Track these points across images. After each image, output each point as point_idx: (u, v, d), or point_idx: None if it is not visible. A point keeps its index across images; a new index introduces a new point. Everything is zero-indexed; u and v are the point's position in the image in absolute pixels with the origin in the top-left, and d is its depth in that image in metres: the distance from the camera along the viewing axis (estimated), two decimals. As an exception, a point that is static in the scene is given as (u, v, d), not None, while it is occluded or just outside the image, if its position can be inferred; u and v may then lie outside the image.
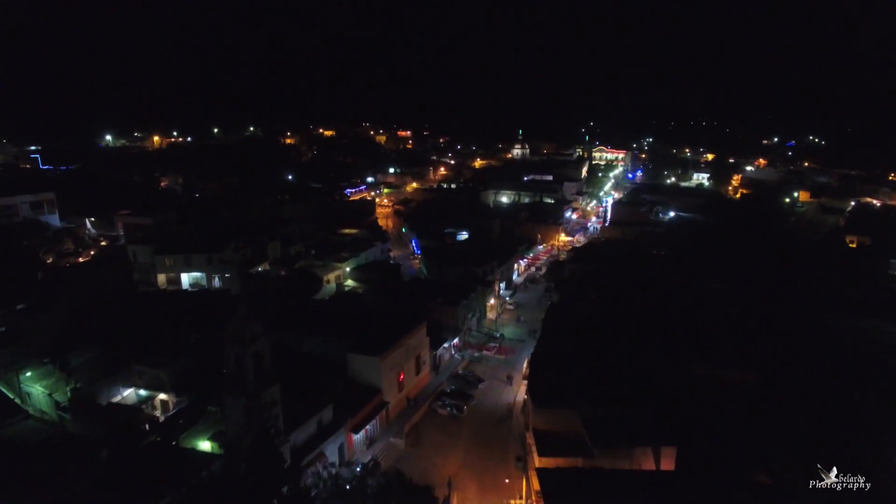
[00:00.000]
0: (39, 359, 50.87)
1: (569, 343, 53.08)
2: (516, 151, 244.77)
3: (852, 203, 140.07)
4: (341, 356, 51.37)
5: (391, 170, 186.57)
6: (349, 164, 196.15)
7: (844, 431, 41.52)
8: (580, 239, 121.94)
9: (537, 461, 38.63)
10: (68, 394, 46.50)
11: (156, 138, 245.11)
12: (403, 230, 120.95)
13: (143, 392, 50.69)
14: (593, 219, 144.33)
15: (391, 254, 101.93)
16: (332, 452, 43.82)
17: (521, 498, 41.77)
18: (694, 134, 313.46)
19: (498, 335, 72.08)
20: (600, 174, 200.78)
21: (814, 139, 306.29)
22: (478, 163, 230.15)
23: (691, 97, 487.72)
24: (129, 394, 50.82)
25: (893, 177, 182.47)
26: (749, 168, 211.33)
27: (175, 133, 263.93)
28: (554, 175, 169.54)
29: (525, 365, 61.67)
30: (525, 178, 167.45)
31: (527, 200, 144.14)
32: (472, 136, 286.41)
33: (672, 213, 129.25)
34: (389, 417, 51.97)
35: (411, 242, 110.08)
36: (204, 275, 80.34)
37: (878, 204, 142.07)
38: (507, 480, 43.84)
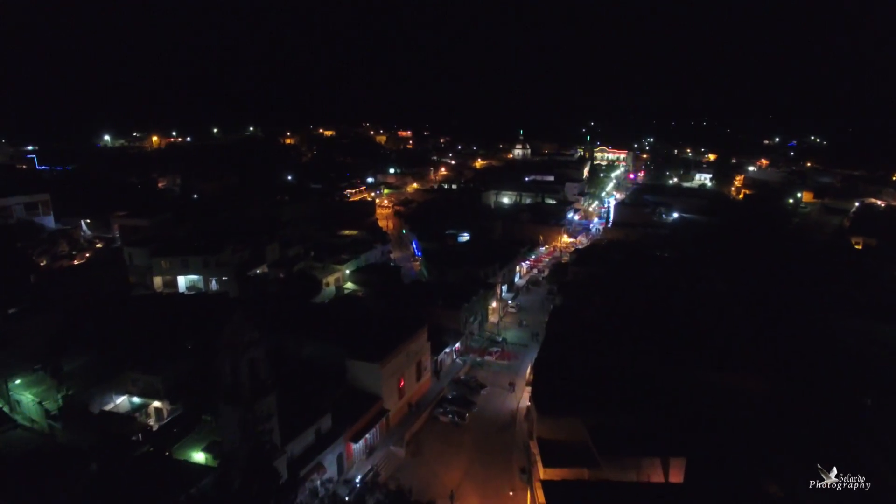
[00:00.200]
0: (31, 365, 49.57)
1: (573, 348, 51.76)
2: (517, 151, 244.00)
3: (856, 204, 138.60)
4: (340, 362, 50.08)
5: (391, 170, 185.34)
6: (349, 165, 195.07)
7: (845, 432, 41.05)
8: (583, 240, 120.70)
9: (542, 472, 37.50)
10: (59, 402, 45.21)
11: (154, 138, 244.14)
12: (404, 231, 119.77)
13: (136, 399, 49.48)
14: (595, 219, 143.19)
15: (391, 255, 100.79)
16: (330, 463, 42.43)
17: (526, 510, 40.57)
18: (695, 134, 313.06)
19: (500, 339, 70.87)
20: (602, 174, 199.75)
21: (815, 139, 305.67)
22: (479, 163, 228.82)
23: (692, 97, 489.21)
24: (122, 401, 49.56)
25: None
26: (751, 168, 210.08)
27: (174, 133, 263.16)
28: (555, 175, 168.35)
29: (528, 370, 60.54)
30: (526, 179, 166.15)
31: (528, 201, 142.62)
32: (473, 136, 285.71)
33: (675, 214, 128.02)
34: (390, 425, 50.69)
35: (412, 244, 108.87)
36: (201, 277, 79.11)
37: (883, 205, 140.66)
38: (511, 493, 42.55)
